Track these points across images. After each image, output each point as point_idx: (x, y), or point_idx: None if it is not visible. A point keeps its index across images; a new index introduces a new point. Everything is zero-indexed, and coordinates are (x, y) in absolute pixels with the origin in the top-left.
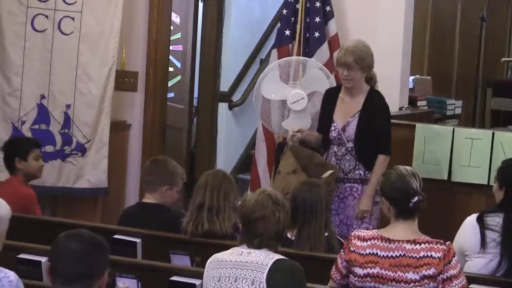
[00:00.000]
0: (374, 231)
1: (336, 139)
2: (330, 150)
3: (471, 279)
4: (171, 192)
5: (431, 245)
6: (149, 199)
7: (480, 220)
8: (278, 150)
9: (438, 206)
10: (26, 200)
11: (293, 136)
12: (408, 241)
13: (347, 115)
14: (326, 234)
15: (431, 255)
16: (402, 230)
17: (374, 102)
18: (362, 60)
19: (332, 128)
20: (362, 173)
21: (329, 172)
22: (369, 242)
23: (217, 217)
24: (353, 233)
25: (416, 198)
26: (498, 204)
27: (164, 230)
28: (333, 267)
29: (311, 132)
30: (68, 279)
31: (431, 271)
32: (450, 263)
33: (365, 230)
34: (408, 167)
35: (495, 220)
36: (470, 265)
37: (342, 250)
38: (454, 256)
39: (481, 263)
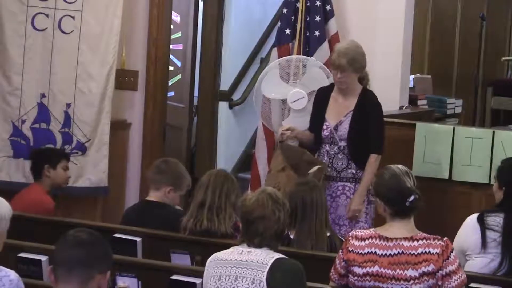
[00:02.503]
0: (371, 230)
1: (328, 138)
2: (322, 149)
3: (471, 278)
4: (174, 194)
5: (428, 241)
6: (152, 197)
7: (480, 220)
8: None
9: (438, 205)
10: (44, 209)
11: (283, 134)
12: (405, 238)
13: (339, 114)
14: (328, 234)
15: (429, 251)
16: (399, 228)
17: (367, 102)
18: (355, 62)
19: (324, 127)
20: (355, 172)
21: (316, 167)
22: (367, 242)
23: (216, 216)
24: (350, 233)
25: (412, 197)
26: (498, 204)
27: (165, 228)
28: (332, 268)
29: (302, 131)
30: (68, 266)
31: (430, 268)
32: (448, 259)
33: (363, 230)
34: (400, 166)
35: (496, 220)
36: (471, 265)
37: (340, 251)
38: (452, 252)
39: (482, 262)
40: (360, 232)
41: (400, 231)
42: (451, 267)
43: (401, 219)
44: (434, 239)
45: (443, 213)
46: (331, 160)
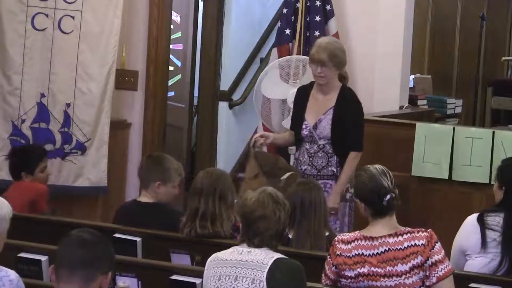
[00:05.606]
0: (356, 232)
1: (307, 136)
2: (303, 147)
3: (471, 278)
4: (164, 187)
5: (413, 234)
6: (144, 196)
7: (480, 220)
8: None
9: (438, 206)
10: (38, 193)
11: (256, 141)
12: (390, 235)
13: (318, 112)
14: (327, 233)
15: (415, 243)
16: (382, 227)
17: (346, 98)
18: (336, 57)
19: (304, 126)
20: (335, 170)
21: (289, 173)
22: (353, 244)
23: (211, 223)
24: (336, 238)
25: (388, 196)
26: (498, 204)
27: (163, 229)
28: (322, 274)
29: (278, 135)
30: (70, 266)
31: (418, 260)
32: (434, 249)
33: (347, 233)
34: (378, 166)
35: (496, 220)
36: (471, 265)
37: (328, 256)
38: (437, 242)
39: (482, 262)
40: (345, 236)
41: (383, 229)
42: (437, 257)
43: (382, 218)
44: (418, 231)
45: (443, 213)
46: (311, 158)
